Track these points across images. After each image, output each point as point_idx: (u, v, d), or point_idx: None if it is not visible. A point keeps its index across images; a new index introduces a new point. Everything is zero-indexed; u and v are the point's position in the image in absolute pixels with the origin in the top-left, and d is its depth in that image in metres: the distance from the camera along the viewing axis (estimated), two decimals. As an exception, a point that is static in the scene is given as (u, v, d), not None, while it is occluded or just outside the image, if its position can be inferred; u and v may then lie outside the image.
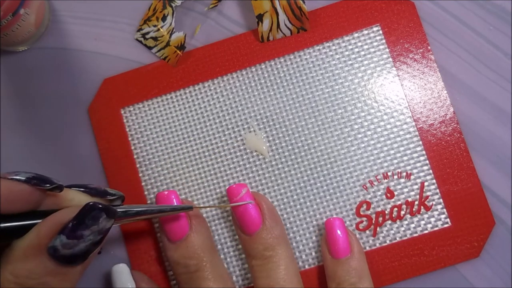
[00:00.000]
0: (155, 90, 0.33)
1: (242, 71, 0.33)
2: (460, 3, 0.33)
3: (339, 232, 0.29)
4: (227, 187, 0.30)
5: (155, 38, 0.34)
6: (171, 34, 0.33)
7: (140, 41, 0.34)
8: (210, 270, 0.28)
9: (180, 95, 0.33)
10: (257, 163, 0.32)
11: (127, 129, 0.33)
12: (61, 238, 0.22)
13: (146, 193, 0.32)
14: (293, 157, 0.32)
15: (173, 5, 0.33)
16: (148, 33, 0.34)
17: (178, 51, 0.33)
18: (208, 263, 0.29)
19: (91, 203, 0.23)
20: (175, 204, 0.29)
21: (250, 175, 0.32)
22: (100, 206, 0.23)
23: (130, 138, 0.33)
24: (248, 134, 0.32)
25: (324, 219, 0.31)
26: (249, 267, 0.29)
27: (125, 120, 0.33)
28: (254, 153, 0.32)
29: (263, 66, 0.33)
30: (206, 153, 0.33)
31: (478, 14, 0.33)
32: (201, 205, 0.32)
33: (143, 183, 0.33)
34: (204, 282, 0.28)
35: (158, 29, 0.33)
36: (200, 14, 0.34)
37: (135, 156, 0.33)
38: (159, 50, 0.34)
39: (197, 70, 0.33)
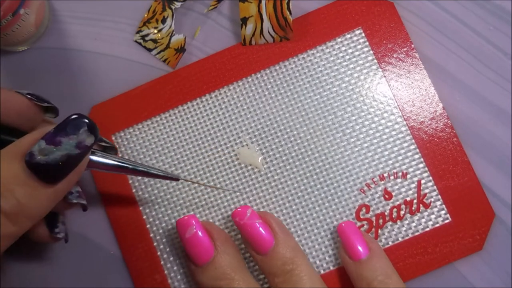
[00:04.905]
0: (144, 113, 0.33)
1: (230, 86, 0.33)
2: (460, 3, 0.33)
3: (352, 234, 0.29)
4: (232, 211, 0.29)
5: (154, 41, 0.34)
6: (171, 37, 0.33)
7: (140, 43, 0.34)
8: None
9: (170, 115, 0.33)
10: (253, 176, 0.32)
11: (120, 155, 0.33)
12: (40, 143, 0.22)
13: (145, 217, 0.32)
14: (288, 167, 0.32)
15: (173, 7, 0.33)
16: (147, 35, 0.34)
17: (177, 54, 0.33)
18: (240, 281, 0.28)
19: (77, 114, 0.23)
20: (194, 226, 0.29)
21: (247, 189, 0.32)
22: (85, 118, 0.23)
23: (123, 164, 0.33)
24: (241, 149, 0.32)
25: (325, 226, 0.31)
26: (272, 286, 0.28)
27: (117, 146, 0.33)
28: (249, 167, 0.32)
29: (249, 79, 0.33)
30: (201, 171, 0.32)
31: (478, 14, 0.33)
32: (190, 179, 0.32)
33: (140, 208, 0.32)
34: None
35: (158, 32, 0.33)
36: (200, 15, 0.34)
37: (130, 181, 0.33)
38: (158, 52, 0.34)
39: (184, 89, 0.33)
